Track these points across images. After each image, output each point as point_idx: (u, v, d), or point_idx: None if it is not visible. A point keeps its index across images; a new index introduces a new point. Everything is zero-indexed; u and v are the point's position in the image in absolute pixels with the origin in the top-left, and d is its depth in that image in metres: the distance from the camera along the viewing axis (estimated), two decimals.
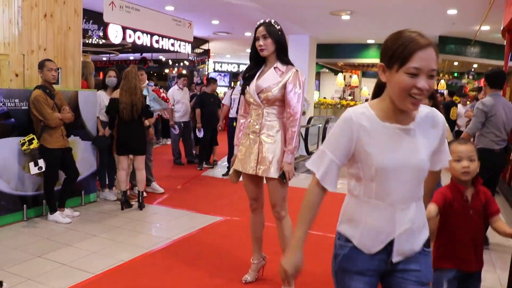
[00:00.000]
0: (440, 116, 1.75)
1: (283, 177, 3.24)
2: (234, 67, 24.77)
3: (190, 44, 12.94)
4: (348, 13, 10.55)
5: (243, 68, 24.55)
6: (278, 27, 3.27)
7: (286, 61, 3.27)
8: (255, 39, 3.27)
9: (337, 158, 1.70)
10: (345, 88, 23.32)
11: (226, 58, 23.16)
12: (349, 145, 1.67)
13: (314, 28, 12.41)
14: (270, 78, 3.24)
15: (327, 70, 23.02)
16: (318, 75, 24.08)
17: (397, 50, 1.58)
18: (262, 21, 3.29)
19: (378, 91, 1.76)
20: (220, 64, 24.46)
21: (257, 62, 3.33)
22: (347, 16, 10.80)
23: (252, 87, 3.28)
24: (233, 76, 24.92)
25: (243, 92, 3.38)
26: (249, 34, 14.40)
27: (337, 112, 18.99)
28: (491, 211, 2.49)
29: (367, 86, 24.46)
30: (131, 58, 19.25)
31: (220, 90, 22.41)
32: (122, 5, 9.13)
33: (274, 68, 3.26)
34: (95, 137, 5.95)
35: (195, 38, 13.25)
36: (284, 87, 3.21)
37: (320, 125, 10.94)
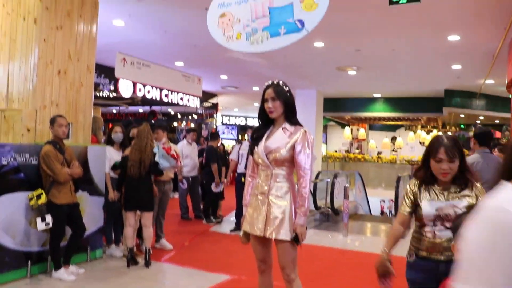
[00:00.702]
0: None
1: (296, 240, 3.18)
2: (241, 120, 25.04)
3: (198, 98, 13.15)
4: (354, 68, 10.74)
5: (250, 121, 24.78)
6: (286, 88, 3.32)
7: (294, 122, 3.30)
8: (264, 100, 3.31)
9: None
10: (353, 141, 23.37)
11: (234, 111, 23.46)
12: None
13: (321, 83, 12.62)
14: (279, 139, 3.25)
15: (334, 123, 23.17)
16: (325, 128, 24.19)
17: None
18: (270, 82, 3.34)
19: None
20: (228, 118, 24.75)
21: (266, 122, 3.36)
22: (353, 71, 10.99)
23: (260, 148, 3.29)
24: (241, 129, 25.18)
25: (251, 153, 3.39)
26: (256, 88, 14.63)
27: (344, 166, 18.94)
28: None
29: (374, 139, 24.54)
30: (141, 110, 19.55)
31: (228, 143, 22.52)
32: (133, 61, 9.35)
33: (283, 128, 3.28)
34: (105, 203, 5.96)
35: (203, 92, 13.49)
36: (293, 147, 3.22)
37: (329, 180, 10.88)
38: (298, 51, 9.21)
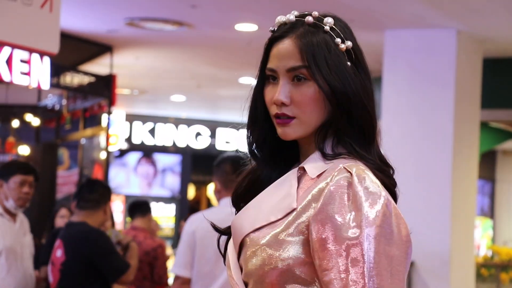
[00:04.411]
0: None
1: None
2: (202, 136, 17.88)
3: (49, 61, 11.87)
4: None
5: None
6: (339, 39, 0.76)
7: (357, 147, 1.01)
8: (262, 78, 1.14)
9: None
10: None
11: (172, 103, 19.39)
12: None
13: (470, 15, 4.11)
14: (268, 201, 0.98)
15: None
16: (488, 159, 9.07)
17: None
18: (284, 19, 0.68)
19: None
20: (150, 126, 13.08)
21: (276, 152, 1.05)
22: None
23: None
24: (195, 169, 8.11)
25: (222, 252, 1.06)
26: (250, 26, 13.18)
27: None
28: None
29: None
30: None
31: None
32: None
33: (300, 170, 0.98)
34: None
35: (65, 37, 11.76)
36: (305, 237, 0.87)
37: None
38: None
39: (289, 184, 0.90)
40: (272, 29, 0.96)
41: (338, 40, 0.91)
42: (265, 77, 0.95)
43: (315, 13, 0.93)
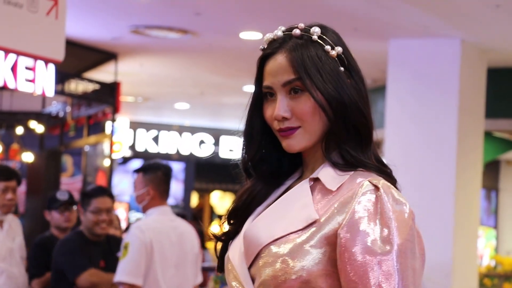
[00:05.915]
0: None
1: None
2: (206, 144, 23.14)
3: (54, 68, 12.00)
4: None
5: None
6: (334, 52, 0.53)
7: (353, 160, 0.94)
8: (258, 95, 0.78)
9: None
10: None
11: (175, 110, 22.01)
12: None
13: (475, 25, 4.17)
14: (287, 212, 0.95)
15: None
16: (492, 168, 9.00)
17: None
18: (279, 32, 0.94)
19: None
20: (154, 133, 20.60)
21: (275, 169, 1.08)
22: None
23: (236, 245, 0.97)
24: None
25: (219, 266, 1.03)
26: (253, 35, 13.31)
27: None
28: None
29: None
30: None
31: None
32: None
33: (311, 181, 0.96)
34: None
35: (70, 44, 12.16)
36: (330, 249, 0.87)
37: None
38: None
39: (304, 194, 0.90)
40: (262, 47, 0.95)
41: (328, 47, 0.91)
42: (263, 95, 0.95)
43: (301, 25, 0.93)
